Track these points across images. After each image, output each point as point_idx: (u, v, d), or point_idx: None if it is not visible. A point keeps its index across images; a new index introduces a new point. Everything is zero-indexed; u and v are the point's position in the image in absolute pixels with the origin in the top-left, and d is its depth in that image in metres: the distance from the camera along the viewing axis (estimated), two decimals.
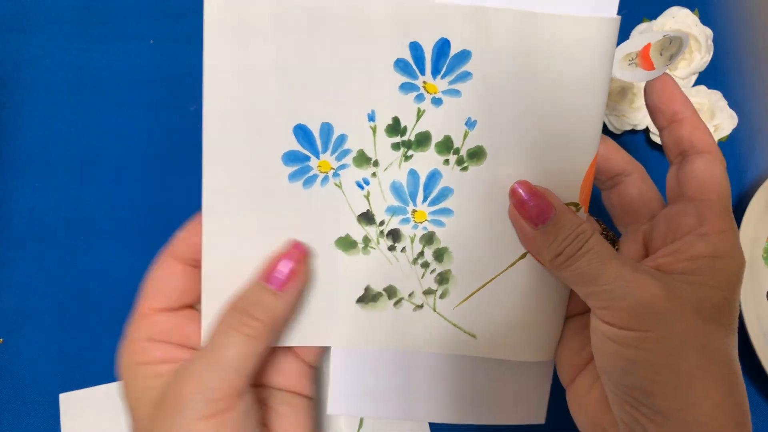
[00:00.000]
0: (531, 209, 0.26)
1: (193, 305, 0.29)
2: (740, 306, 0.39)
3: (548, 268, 0.27)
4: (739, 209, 0.43)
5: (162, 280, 0.28)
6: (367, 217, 0.28)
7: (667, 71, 0.28)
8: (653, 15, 0.44)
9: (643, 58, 0.29)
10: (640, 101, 0.43)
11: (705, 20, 0.45)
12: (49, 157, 0.42)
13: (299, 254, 0.27)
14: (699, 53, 0.43)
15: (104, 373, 0.40)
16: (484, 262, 0.28)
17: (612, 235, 0.31)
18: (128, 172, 0.43)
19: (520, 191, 0.27)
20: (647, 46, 0.29)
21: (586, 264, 0.25)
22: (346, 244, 0.28)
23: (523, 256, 0.28)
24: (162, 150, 0.43)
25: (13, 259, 0.41)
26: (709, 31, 0.43)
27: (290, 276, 0.26)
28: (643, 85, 0.44)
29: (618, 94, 0.43)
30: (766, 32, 0.47)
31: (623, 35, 0.46)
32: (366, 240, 0.28)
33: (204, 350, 0.26)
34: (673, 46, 0.27)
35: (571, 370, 0.29)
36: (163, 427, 0.24)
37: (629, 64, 0.29)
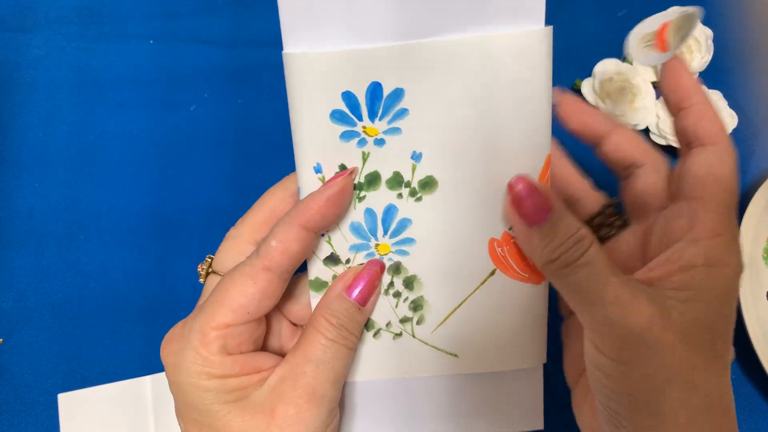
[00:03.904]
0: (528, 207, 0.25)
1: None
2: (740, 306, 0.39)
3: (540, 270, 0.26)
4: (739, 209, 0.43)
5: (248, 295, 0.26)
6: (332, 259, 0.28)
7: (677, 55, 0.26)
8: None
9: (659, 38, 0.27)
10: (640, 101, 0.43)
11: (705, 20, 0.45)
12: (49, 157, 0.42)
13: (378, 270, 0.28)
14: (699, 53, 0.43)
15: (104, 373, 0.40)
16: (454, 284, 0.28)
17: (622, 221, 0.29)
18: (128, 172, 0.43)
19: (519, 187, 0.25)
20: (664, 26, 0.27)
21: (584, 279, 0.23)
22: (317, 285, 0.29)
23: (493, 272, 0.28)
24: (162, 150, 0.43)
25: (13, 259, 0.41)
26: (709, 31, 0.43)
27: (371, 292, 0.28)
28: (640, 83, 0.44)
29: (617, 93, 0.43)
30: (766, 32, 0.47)
31: (624, 35, 0.46)
32: (335, 278, 0.28)
33: (313, 364, 0.26)
34: (686, 25, 0.26)
35: (573, 374, 0.29)
36: None
37: (646, 46, 0.27)
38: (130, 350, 0.40)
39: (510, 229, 0.28)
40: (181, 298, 0.41)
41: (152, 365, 0.40)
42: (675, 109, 0.26)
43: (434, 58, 0.25)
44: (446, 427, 0.30)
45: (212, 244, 0.42)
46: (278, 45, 0.45)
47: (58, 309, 0.41)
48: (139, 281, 0.41)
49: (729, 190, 0.24)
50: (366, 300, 0.27)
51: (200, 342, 0.25)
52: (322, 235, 0.28)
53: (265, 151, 0.43)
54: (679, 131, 0.26)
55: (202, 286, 0.41)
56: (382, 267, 0.28)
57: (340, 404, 0.29)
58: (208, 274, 0.30)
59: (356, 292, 0.27)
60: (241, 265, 0.26)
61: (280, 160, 0.43)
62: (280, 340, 0.30)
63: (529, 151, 0.26)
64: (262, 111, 0.44)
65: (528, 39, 0.25)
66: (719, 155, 0.24)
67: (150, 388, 0.40)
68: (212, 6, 0.45)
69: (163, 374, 0.40)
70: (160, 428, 0.39)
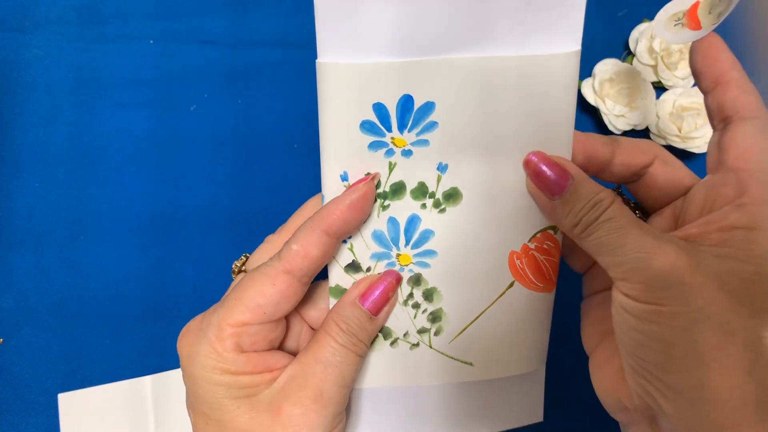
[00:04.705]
0: (547, 179, 0.26)
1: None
2: None
3: (570, 237, 0.26)
4: None
5: (266, 296, 0.26)
6: (353, 267, 0.28)
7: (713, 32, 0.26)
8: (653, 15, 0.44)
9: (691, 18, 0.27)
10: (640, 101, 0.43)
11: None
12: (49, 157, 0.42)
13: (393, 282, 0.28)
14: None
15: (104, 373, 0.40)
16: (473, 297, 0.29)
17: (640, 211, 0.30)
18: (128, 172, 0.43)
19: (535, 161, 0.26)
20: (696, 4, 0.27)
21: (605, 233, 0.24)
22: (337, 292, 0.29)
23: (511, 285, 0.28)
24: (162, 150, 0.43)
25: (13, 259, 0.41)
26: None
27: (384, 302, 0.28)
28: (640, 83, 0.44)
29: (617, 93, 0.43)
30: (766, 32, 0.47)
31: (624, 35, 0.46)
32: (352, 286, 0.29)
33: (322, 365, 0.26)
34: (722, 3, 0.26)
35: (592, 339, 0.29)
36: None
37: (675, 25, 0.27)
38: (130, 350, 0.40)
39: (529, 240, 0.28)
40: (180, 298, 0.41)
41: (152, 365, 0.40)
42: (712, 85, 0.26)
43: (469, 73, 0.26)
44: (452, 428, 0.31)
45: (212, 244, 0.42)
46: (278, 45, 0.45)
47: (58, 309, 0.41)
48: (139, 281, 0.41)
49: None
50: (378, 310, 0.28)
51: (216, 337, 0.26)
52: (344, 241, 0.28)
53: (265, 151, 0.43)
54: (716, 106, 0.26)
55: (202, 286, 0.42)
56: (398, 278, 0.28)
57: (348, 407, 0.30)
58: (240, 272, 0.30)
59: (369, 301, 0.27)
60: (263, 266, 0.27)
61: (280, 161, 0.43)
62: (298, 342, 0.30)
63: None
64: (262, 111, 0.44)
65: (563, 61, 0.25)
66: (762, 127, 0.24)
67: (150, 388, 0.40)
68: (212, 6, 0.45)
69: (163, 374, 0.40)
70: (160, 428, 0.39)
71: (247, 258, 0.30)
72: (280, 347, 0.29)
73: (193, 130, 0.43)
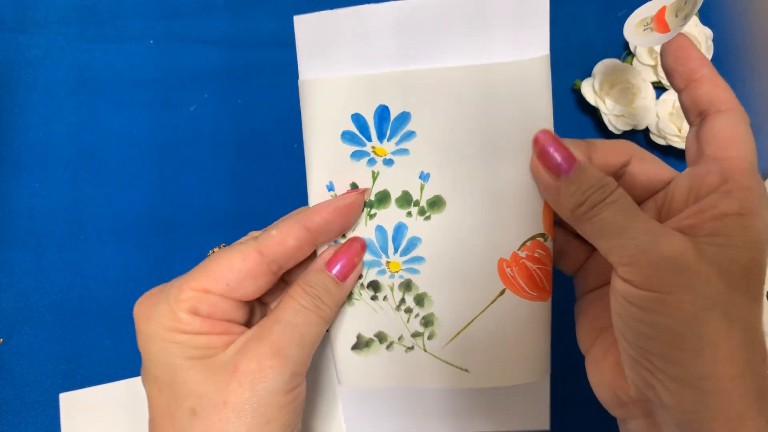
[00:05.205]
0: (554, 158, 0.26)
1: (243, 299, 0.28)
2: None
3: (567, 220, 0.26)
4: None
5: (233, 269, 0.26)
6: None
7: (681, 32, 0.27)
8: None
9: (658, 22, 0.28)
10: (640, 101, 0.43)
11: (705, 20, 0.45)
12: (49, 157, 0.42)
13: (359, 248, 0.28)
14: None
15: (104, 373, 0.40)
16: (464, 302, 0.29)
17: None
18: (128, 172, 0.43)
19: (543, 140, 0.26)
20: (662, 9, 0.28)
21: (611, 215, 0.24)
22: None
23: (502, 292, 0.28)
24: (162, 150, 0.43)
25: (13, 259, 0.41)
26: (709, 31, 0.43)
27: (350, 269, 0.28)
28: (640, 83, 0.43)
29: (618, 93, 0.43)
30: (766, 32, 0.47)
31: (623, 35, 0.46)
32: (349, 293, 0.29)
33: (281, 325, 0.26)
34: (688, 5, 0.27)
35: (588, 338, 0.29)
36: (242, 396, 0.25)
37: (644, 30, 0.29)
38: (130, 350, 0.40)
39: (519, 249, 0.28)
40: None
41: None
42: (685, 82, 0.27)
43: (438, 84, 0.26)
44: (448, 424, 0.31)
45: (212, 244, 0.42)
46: (278, 45, 0.45)
47: (58, 309, 0.41)
48: (139, 281, 0.41)
49: (752, 149, 0.25)
50: (345, 276, 0.28)
51: (175, 298, 0.26)
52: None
53: (265, 151, 0.43)
54: (691, 101, 0.27)
55: None
56: (363, 245, 0.29)
57: (352, 403, 0.30)
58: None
59: (336, 267, 0.28)
60: (238, 243, 0.27)
61: (280, 161, 0.43)
62: None
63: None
64: (262, 111, 0.44)
65: (529, 66, 0.26)
66: (738, 118, 0.25)
67: None
68: (212, 6, 0.45)
69: None
70: None
71: (225, 246, 0.31)
72: None
73: (193, 130, 0.43)
